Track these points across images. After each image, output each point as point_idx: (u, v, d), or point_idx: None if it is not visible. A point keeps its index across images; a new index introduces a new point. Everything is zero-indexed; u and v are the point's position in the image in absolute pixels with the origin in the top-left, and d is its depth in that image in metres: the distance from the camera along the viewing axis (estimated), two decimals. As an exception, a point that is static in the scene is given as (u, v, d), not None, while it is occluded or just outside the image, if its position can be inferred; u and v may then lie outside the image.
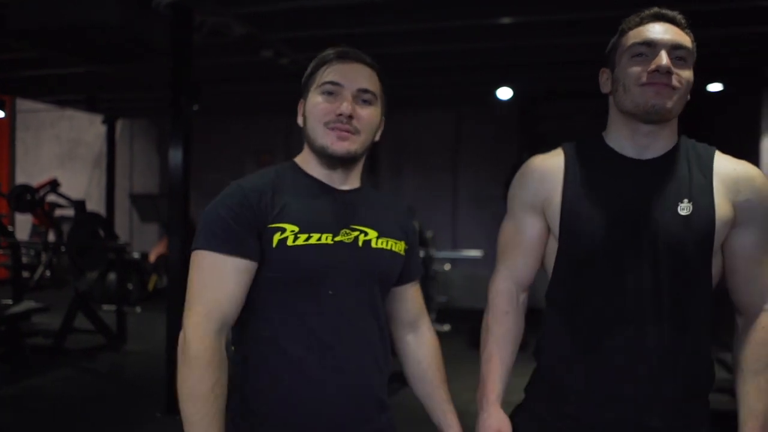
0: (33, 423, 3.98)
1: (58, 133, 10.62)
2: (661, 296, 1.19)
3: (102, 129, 9.63)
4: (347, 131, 1.24)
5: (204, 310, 1.16)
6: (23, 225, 10.20)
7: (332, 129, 1.24)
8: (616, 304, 1.20)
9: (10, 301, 5.91)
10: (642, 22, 1.24)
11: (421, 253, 5.39)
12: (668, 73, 1.17)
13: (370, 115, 1.27)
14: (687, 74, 1.21)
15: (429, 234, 5.72)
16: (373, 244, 1.27)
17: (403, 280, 1.40)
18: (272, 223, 1.20)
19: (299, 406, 1.19)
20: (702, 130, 7.00)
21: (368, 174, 8.24)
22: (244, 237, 1.18)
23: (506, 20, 4.61)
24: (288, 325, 1.21)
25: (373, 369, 1.27)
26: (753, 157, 5.75)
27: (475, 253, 7.29)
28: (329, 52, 1.29)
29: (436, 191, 8.89)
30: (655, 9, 1.24)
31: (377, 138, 1.33)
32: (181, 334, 1.17)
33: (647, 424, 1.18)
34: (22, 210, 8.54)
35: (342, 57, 1.27)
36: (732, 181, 1.22)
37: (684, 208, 1.19)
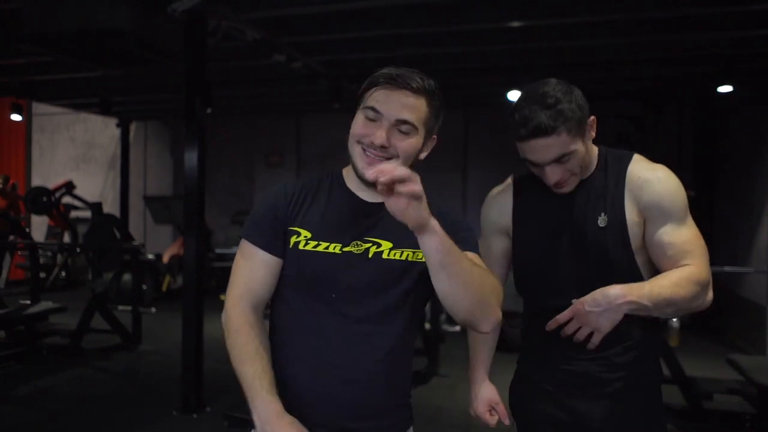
0: (49, 422, 4.06)
1: (73, 136, 10.75)
2: (593, 289, 1.47)
3: (116, 131, 9.75)
4: (380, 158, 1.26)
5: (239, 292, 1.35)
6: (39, 226, 10.35)
7: (366, 153, 1.28)
8: (558, 298, 1.52)
9: (28, 302, 6.03)
10: (522, 139, 1.48)
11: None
12: (559, 185, 1.50)
13: (406, 146, 1.28)
14: (574, 163, 1.47)
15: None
16: (384, 255, 1.31)
17: None
18: (292, 226, 1.36)
19: (294, 387, 1.32)
20: (717, 133, 6.99)
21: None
22: (272, 235, 1.36)
23: (516, 24, 4.65)
24: (297, 316, 1.35)
25: (374, 377, 1.30)
26: (758, 165, 5.73)
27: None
28: (382, 72, 1.29)
29: (445, 191, 8.91)
30: (527, 129, 1.45)
31: (422, 157, 1.34)
32: (223, 312, 1.35)
33: (589, 369, 1.55)
34: (39, 212, 8.69)
35: (390, 81, 1.27)
36: (637, 188, 1.50)
37: (602, 221, 1.51)
